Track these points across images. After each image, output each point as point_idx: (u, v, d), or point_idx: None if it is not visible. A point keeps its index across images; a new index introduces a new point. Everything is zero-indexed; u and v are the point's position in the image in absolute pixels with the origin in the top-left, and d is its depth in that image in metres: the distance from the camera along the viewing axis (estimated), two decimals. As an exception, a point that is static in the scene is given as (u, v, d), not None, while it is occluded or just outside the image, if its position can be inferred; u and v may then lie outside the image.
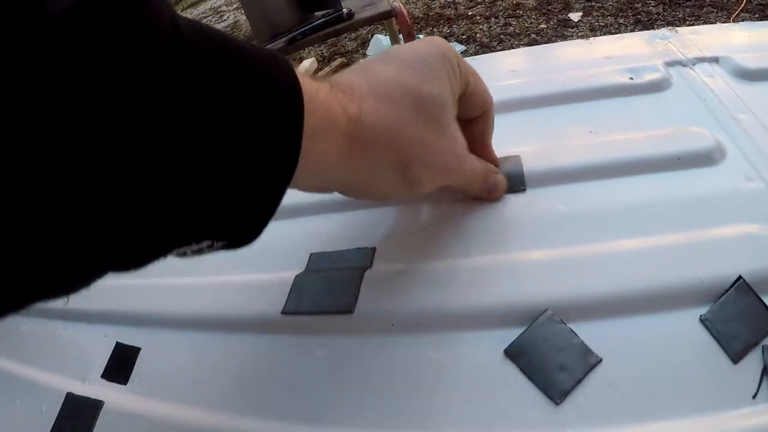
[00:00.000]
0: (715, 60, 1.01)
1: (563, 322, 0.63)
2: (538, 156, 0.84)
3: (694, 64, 1.01)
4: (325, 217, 0.86)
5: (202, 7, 8.62)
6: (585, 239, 0.71)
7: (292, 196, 0.90)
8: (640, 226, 0.71)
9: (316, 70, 4.26)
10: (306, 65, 4.33)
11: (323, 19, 2.16)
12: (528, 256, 0.71)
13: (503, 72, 1.12)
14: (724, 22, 4.01)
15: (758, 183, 0.74)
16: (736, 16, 4.03)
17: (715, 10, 4.19)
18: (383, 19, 2.35)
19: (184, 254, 0.39)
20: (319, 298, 0.71)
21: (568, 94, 0.97)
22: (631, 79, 0.97)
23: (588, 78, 1.00)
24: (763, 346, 0.57)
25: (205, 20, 7.57)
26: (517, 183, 0.81)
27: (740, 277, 0.61)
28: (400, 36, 2.41)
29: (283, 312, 0.71)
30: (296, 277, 0.75)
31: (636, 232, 0.70)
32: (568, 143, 0.86)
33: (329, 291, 0.71)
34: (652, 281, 0.64)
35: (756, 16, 4.08)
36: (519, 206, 0.78)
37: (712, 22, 4.02)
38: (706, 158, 0.79)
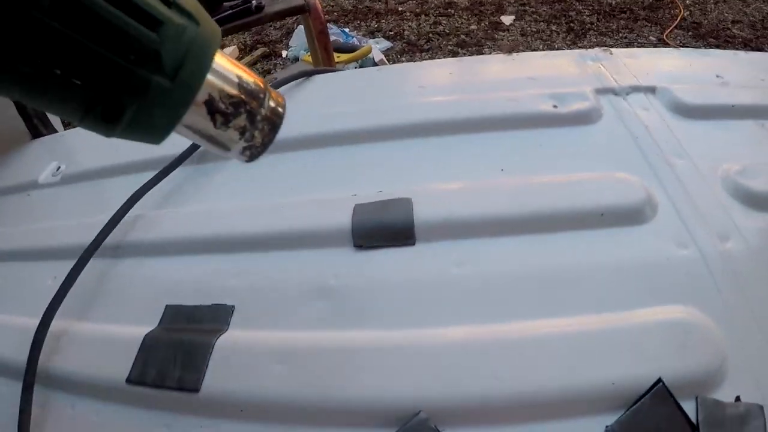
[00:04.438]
0: (651, 90, 0.90)
1: (439, 430, 0.51)
2: (434, 199, 0.71)
3: (627, 94, 0.89)
4: (188, 259, 0.75)
5: None
6: (478, 317, 0.59)
7: (158, 231, 0.77)
8: (547, 302, 0.60)
9: (238, 59, 4.10)
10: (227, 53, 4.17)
11: (230, 11, 1.99)
12: (407, 336, 0.58)
13: (411, 87, 0.98)
14: (657, 37, 4.02)
15: (691, 250, 0.63)
16: (669, 32, 4.04)
17: (649, 24, 4.20)
18: (295, 14, 2.18)
19: None
20: (166, 368, 0.61)
21: (482, 120, 0.84)
22: (555, 107, 0.84)
23: (507, 103, 0.87)
24: None
25: None
26: (404, 234, 0.68)
27: (660, 380, 0.51)
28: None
29: (127, 381, 0.61)
30: (146, 336, 0.65)
31: (541, 311, 0.59)
32: (472, 184, 0.73)
33: (176, 359, 0.61)
34: (552, 382, 0.53)
35: (689, 33, 4.12)
36: (405, 265, 0.66)
37: (645, 36, 4.04)
38: (634, 215, 0.67)
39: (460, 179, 0.74)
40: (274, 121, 0.49)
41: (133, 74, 0.36)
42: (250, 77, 0.46)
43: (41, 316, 0.68)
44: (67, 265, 0.74)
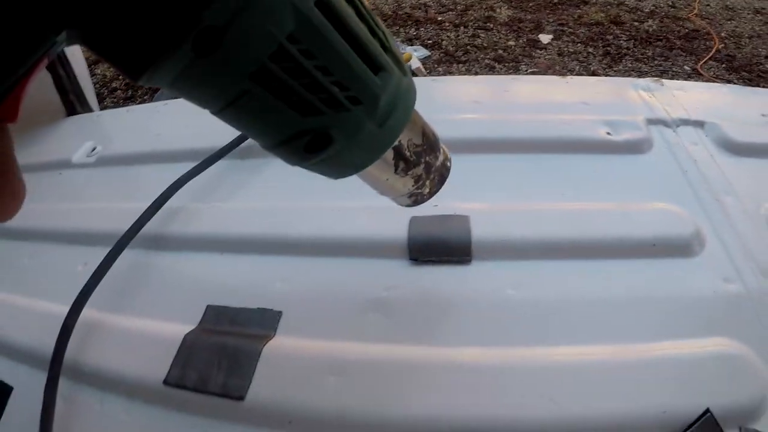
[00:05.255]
0: (700, 124, 0.90)
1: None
2: (491, 218, 0.71)
3: (677, 126, 0.90)
4: (231, 258, 0.73)
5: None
6: (533, 339, 0.59)
7: (199, 225, 0.76)
8: (600, 329, 0.60)
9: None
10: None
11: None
12: (463, 354, 0.58)
13: (465, 101, 0.98)
14: (691, 67, 4.01)
15: (736, 285, 0.64)
16: (704, 63, 4.03)
17: (684, 54, 4.19)
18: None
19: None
20: (208, 372, 0.58)
21: (538, 141, 0.85)
22: (609, 134, 0.85)
23: (561, 125, 0.87)
24: None
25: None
26: (461, 251, 0.67)
27: (708, 410, 0.51)
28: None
29: (165, 382, 0.58)
30: (186, 336, 0.62)
31: (593, 337, 0.59)
32: (529, 206, 0.73)
33: (221, 364, 0.59)
34: (605, 407, 0.53)
35: (723, 65, 4.10)
36: (460, 283, 0.65)
37: (680, 66, 4.02)
38: (683, 248, 0.68)
39: (514, 200, 0.75)
40: (444, 174, 0.52)
41: (350, 114, 0.36)
42: (431, 129, 0.48)
43: (71, 303, 0.66)
44: (99, 252, 0.72)
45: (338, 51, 0.33)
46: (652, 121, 0.90)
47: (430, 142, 0.48)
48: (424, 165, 0.48)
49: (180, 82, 0.31)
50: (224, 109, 0.34)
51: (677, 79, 3.79)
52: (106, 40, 0.29)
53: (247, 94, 0.32)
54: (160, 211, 0.78)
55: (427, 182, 0.50)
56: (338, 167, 0.41)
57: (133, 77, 0.30)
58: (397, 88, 0.39)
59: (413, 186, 0.49)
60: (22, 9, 0.25)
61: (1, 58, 0.26)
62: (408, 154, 0.45)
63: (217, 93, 0.32)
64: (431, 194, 0.52)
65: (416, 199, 0.52)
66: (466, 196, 0.74)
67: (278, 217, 0.76)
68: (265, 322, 0.63)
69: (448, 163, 0.52)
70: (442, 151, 0.50)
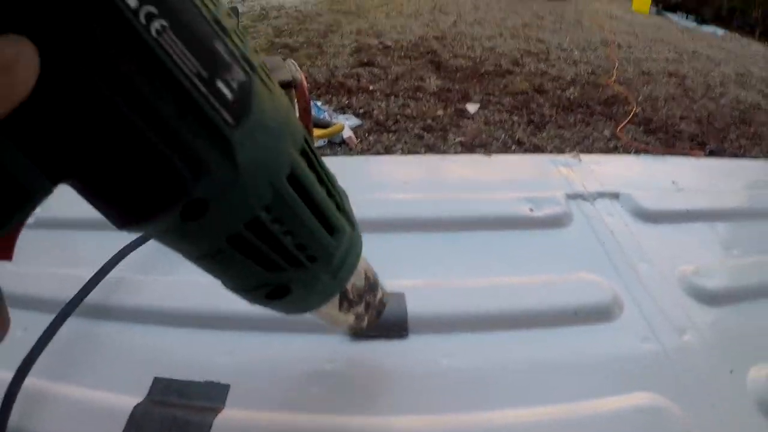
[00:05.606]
0: (615, 196, 0.98)
1: None
2: (425, 295, 0.75)
3: (594, 199, 0.97)
4: (176, 331, 0.74)
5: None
6: (465, 405, 0.63)
7: (144, 297, 0.77)
8: (528, 392, 0.64)
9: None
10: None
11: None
12: (401, 423, 0.61)
13: (395, 181, 1.04)
14: (611, 131, 4.19)
15: (653, 344, 0.70)
16: (622, 127, 4.22)
17: (604, 119, 4.39)
18: (282, 89, 2.24)
19: None
20: None
21: (466, 220, 0.91)
22: (531, 210, 0.91)
23: (486, 203, 0.94)
24: None
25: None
26: (398, 327, 0.71)
27: None
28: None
29: None
30: (135, 407, 0.62)
31: (522, 400, 0.63)
32: (460, 282, 0.78)
33: None
34: None
35: (641, 128, 4.31)
36: (399, 356, 0.69)
37: (600, 131, 4.20)
38: (603, 314, 0.74)
39: (447, 276, 0.79)
40: (380, 309, 0.58)
41: (309, 270, 0.41)
42: (372, 272, 0.54)
43: (12, 370, 0.63)
44: (39, 317, 0.70)
45: (302, 218, 0.37)
46: (571, 196, 0.97)
47: (370, 284, 0.54)
48: (364, 303, 0.54)
49: (161, 236, 0.35)
50: (198, 260, 0.38)
51: (598, 143, 3.96)
52: (98, 195, 0.32)
53: (221, 252, 0.36)
54: (103, 280, 0.77)
55: (366, 317, 0.56)
56: (293, 310, 0.46)
57: (119, 227, 0.34)
58: (348, 244, 0.44)
59: (354, 321, 0.55)
60: (33, 166, 0.28)
61: (8, 208, 0.29)
62: (352, 296, 0.51)
63: (194, 249, 0.36)
64: (369, 327, 0.58)
65: (356, 331, 0.59)
66: (401, 274, 0.77)
67: (220, 291, 0.77)
68: (214, 395, 0.64)
69: (385, 299, 0.58)
70: (380, 289, 0.57)
